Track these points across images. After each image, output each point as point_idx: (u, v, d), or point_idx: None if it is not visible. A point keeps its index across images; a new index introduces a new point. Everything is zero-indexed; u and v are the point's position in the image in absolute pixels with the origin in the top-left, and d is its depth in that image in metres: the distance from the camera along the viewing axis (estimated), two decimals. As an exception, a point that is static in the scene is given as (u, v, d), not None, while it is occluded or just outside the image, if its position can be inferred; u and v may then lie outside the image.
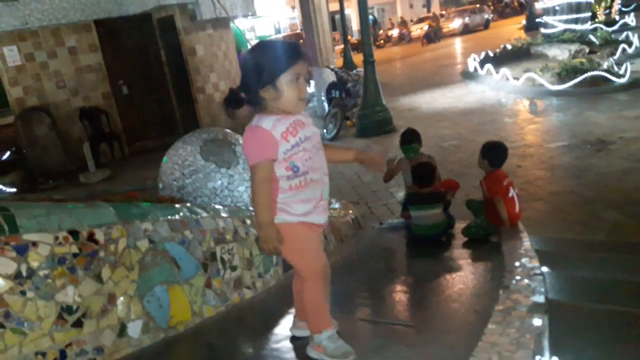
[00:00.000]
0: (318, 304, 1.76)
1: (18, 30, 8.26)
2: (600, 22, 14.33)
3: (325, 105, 9.14)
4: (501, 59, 12.39)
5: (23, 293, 1.72)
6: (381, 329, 2.08)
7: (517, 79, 9.64)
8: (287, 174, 1.67)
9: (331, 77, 9.43)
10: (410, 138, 3.74)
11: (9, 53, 8.27)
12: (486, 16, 27.45)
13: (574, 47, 11.42)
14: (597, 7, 14.99)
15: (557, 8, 13.08)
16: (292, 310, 2.04)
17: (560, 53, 11.42)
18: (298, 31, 27.31)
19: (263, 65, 1.64)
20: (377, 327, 2.12)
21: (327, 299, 1.79)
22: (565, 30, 12.92)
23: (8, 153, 8.40)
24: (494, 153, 3.18)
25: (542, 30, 13.99)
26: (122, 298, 1.98)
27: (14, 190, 7.55)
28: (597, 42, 12.10)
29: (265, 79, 1.63)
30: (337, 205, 4.28)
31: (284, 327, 2.09)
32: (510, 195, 3.14)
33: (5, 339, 1.67)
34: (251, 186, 1.70)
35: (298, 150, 1.66)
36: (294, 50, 1.67)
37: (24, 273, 1.73)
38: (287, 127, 1.65)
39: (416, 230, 3.22)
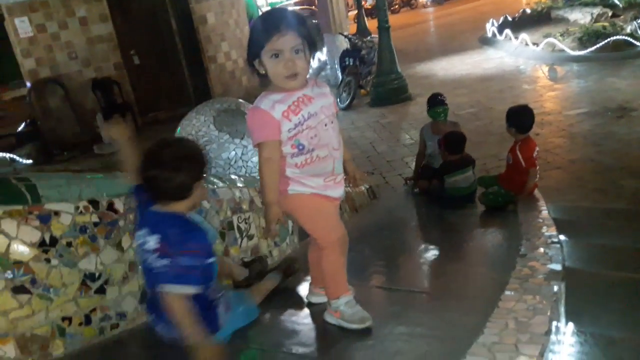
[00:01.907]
0: (336, 271, 1.78)
1: (29, 1, 8.20)
2: (624, -17, 13.76)
3: (339, 73, 9.01)
4: (520, 23, 12.00)
5: (47, 260, 1.77)
6: (397, 296, 2.10)
7: (536, 44, 9.37)
8: (293, 151, 1.66)
9: (344, 44, 9.24)
10: (441, 99, 3.80)
11: (21, 24, 8.24)
12: None
13: (596, 11, 11.00)
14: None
15: (579, -31, 12.58)
16: (309, 278, 2.06)
17: (581, 17, 11.02)
18: (310, -3, 26.68)
19: (251, 38, 1.64)
20: (394, 294, 2.14)
21: (345, 266, 1.80)
22: (587, -8, 12.44)
23: (23, 125, 8.49)
24: (518, 118, 3.11)
25: (563, -8, 13.49)
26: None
27: (30, 162, 7.66)
28: (621, 5, 11.60)
29: (251, 53, 1.63)
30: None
31: (301, 294, 2.12)
32: (537, 167, 3.11)
33: (33, 304, 1.73)
34: (258, 168, 1.70)
35: (302, 129, 1.63)
36: (270, 24, 1.58)
37: (48, 241, 1.77)
38: (288, 106, 1.62)
39: (452, 192, 3.44)
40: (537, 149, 3.13)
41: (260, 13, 12.64)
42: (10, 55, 8.82)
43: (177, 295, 1.49)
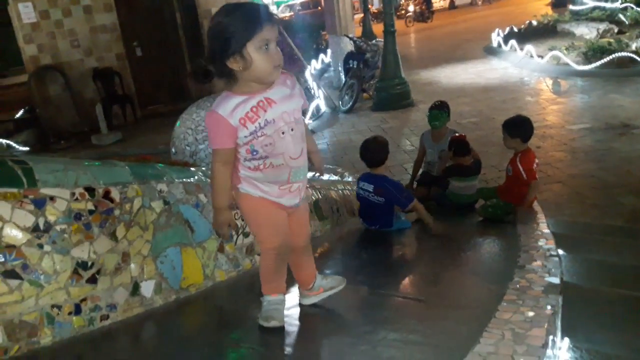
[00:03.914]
0: (267, 273, 1.82)
1: (34, -14, 8.16)
2: (630, 1, 13.78)
3: (342, 75, 9.00)
4: (526, 35, 12.05)
5: (40, 246, 1.73)
6: (392, 301, 2.07)
7: (541, 56, 9.39)
8: (247, 155, 1.64)
9: (349, 47, 9.24)
10: (442, 104, 3.80)
11: (24, 9, 8.19)
12: None
13: (603, 26, 11.05)
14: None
15: (586, -16, 12.64)
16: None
17: (587, 32, 11.07)
18: (317, -1, 26.68)
19: (228, 32, 1.51)
20: (388, 299, 2.11)
21: (279, 271, 1.82)
22: (594, 8, 12.49)
23: (21, 111, 8.44)
24: (523, 128, 3.06)
25: (571, 7, 13.53)
26: (135, 257, 1.99)
27: (26, 149, 7.62)
28: (627, 22, 11.68)
29: (232, 48, 1.51)
30: (349, 179, 4.24)
31: (293, 294, 2.09)
32: (537, 180, 3.08)
33: (23, 290, 1.69)
34: (210, 169, 1.68)
35: (257, 136, 1.59)
36: (259, 14, 1.53)
37: (42, 226, 1.74)
38: (246, 113, 1.57)
39: (454, 199, 3.45)
40: (537, 160, 3.11)
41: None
42: (12, 40, 8.77)
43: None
